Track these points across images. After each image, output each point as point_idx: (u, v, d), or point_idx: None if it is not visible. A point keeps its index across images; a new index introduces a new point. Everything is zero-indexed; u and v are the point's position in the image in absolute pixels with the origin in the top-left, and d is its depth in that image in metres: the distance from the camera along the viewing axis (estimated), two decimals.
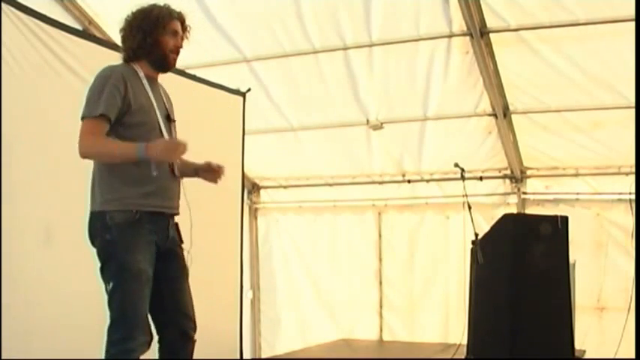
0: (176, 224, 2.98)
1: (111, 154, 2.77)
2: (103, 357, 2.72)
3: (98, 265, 2.80)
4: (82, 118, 2.77)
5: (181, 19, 2.95)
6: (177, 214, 2.97)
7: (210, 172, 3.04)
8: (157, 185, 2.81)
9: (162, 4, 2.94)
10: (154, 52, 2.88)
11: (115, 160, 2.77)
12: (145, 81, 2.88)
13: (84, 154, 2.76)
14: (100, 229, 2.75)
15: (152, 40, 2.86)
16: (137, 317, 2.73)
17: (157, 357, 2.94)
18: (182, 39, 2.96)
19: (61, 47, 3.81)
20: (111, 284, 2.72)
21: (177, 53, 2.95)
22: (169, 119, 2.97)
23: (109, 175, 2.78)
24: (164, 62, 2.93)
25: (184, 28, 2.97)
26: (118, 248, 2.72)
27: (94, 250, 2.83)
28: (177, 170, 2.92)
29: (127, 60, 2.92)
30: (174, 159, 2.85)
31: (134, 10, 2.91)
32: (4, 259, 3.38)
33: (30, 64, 3.61)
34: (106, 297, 2.76)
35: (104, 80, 2.76)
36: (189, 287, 3.00)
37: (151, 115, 2.85)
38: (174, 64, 2.99)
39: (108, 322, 2.73)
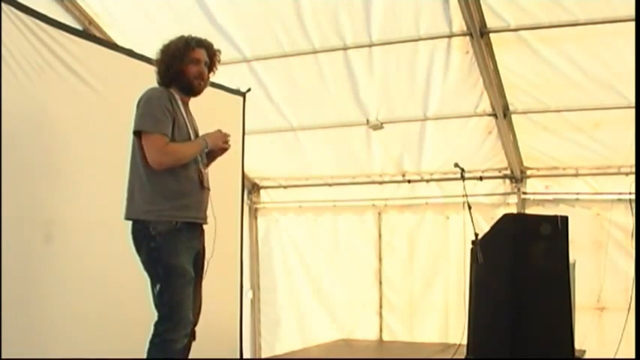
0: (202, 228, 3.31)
1: (185, 156, 3.12)
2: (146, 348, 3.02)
3: (144, 270, 3.12)
4: (144, 132, 3.05)
5: (205, 46, 3.25)
6: (207, 223, 3.29)
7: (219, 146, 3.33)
8: (191, 198, 3.16)
9: (185, 35, 3.26)
10: (178, 81, 3.21)
11: (188, 160, 3.13)
12: (180, 103, 3.21)
13: (161, 166, 3.05)
14: (144, 238, 3.06)
15: (174, 71, 3.19)
16: (182, 313, 3.03)
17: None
18: (209, 65, 3.28)
19: (61, 47, 3.80)
20: (159, 286, 3.04)
21: (203, 78, 3.27)
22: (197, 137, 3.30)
23: (151, 187, 3.07)
24: (190, 88, 3.25)
25: (212, 54, 3.27)
26: (163, 254, 3.04)
27: (134, 255, 3.12)
28: (206, 182, 3.24)
29: (164, 86, 3.22)
30: (222, 146, 3.29)
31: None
32: (5, 258, 3.38)
33: (30, 64, 3.61)
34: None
35: (157, 100, 3.09)
36: (201, 289, 3.28)
37: (186, 133, 3.19)
38: (202, 89, 3.29)
39: (158, 317, 3.03)
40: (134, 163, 3.15)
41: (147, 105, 3.08)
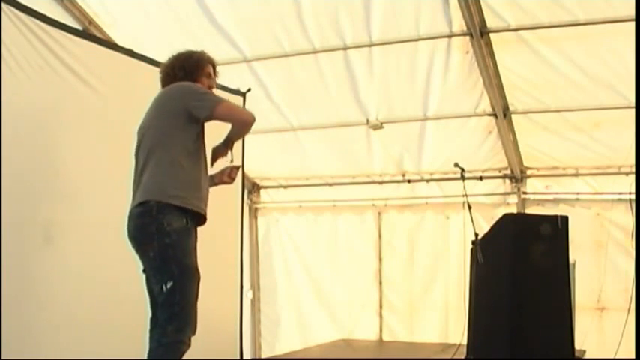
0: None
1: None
2: (146, 346, 3.01)
3: (149, 267, 3.08)
4: (216, 105, 3.13)
5: (213, 63, 3.41)
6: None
7: (228, 176, 3.47)
8: (204, 191, 3.21)
9: (199, 50, 3.41)
10: None
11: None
12: None
13: (254, 117, 3.21)
14: (157, 233, 3.00)
15: (191, 79, 3.27)
16: (192, 313, 3.03)
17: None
18: (214, 81, 3.42)
19: (61, 47, 3.80)
20: (170, 284, 2.99)
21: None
22: None
23: (178, 172, 3.08)
24: None
25: (215, 72, 3.42)
26: (178, 251, 3.01)
27: (134, 256, 3.11)
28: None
29: None
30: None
31: (175, 54, 3.37)
32: (5, 258, 3.37)
33: (30, 64, 3.61)
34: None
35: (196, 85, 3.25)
36: None
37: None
38: None
39: (163, 316, 2.98)
40: (165, 147, 3.10)
41: (194, 90, 3.17)
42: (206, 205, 3.22)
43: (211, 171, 3.39)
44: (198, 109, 3.11)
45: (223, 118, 3.18)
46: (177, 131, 3.11)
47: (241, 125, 3.24)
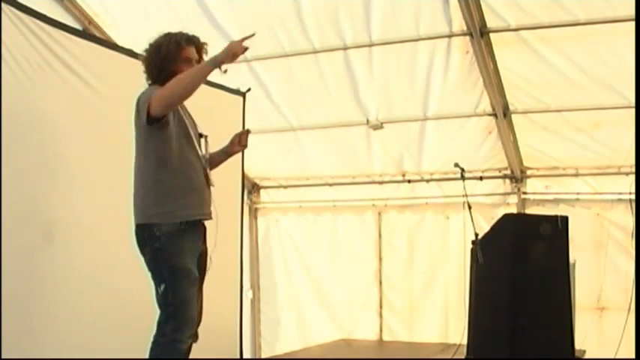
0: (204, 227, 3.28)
1: (192, 81, 2.96)
2: (148, 348, 3.02)
3: (147, 271, 3.12)
4: (149, 109, 2.97)
5: (194, 42, 3.21)
6: (211, 219, 3.27)
7: (238, 143, 3.44)
8: (197, 195, 3.15)
9: (173, 33, 3.20)
10: None
11: (197, 85, 2.96)
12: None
13: (166, 99, 2.97)
14: (148, 239, 3.04)
15: (166, 74, 3.09)
16: (188, 313, 3.03)
17: None
18: (198, 61, 3.20)
19: (61, 47, 3.81)
20: (163, 286, 3.02)
21: None
22: (201, 135, 3.30)
23: (157, 188, 3.05)
24: None
25: (200, 49, 3.22)
26: (167, 254, 3.04)
27: (134, 256, 3.13)
28: (211, 181, 3.25)
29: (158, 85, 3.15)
30: (239, 55, 3.00)
31: (151, 42, 3.22)
32: (5, 258, 3.37)
33: (30, 64, 3.61)
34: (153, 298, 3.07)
35: None
36: (203, 288, 3.26)
37: (188, 132, 3.18)
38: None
39: (161, 318, 3.01)
40: (139, 165, 3.12)
41: (140, 104, 3.05)
42: (201, 206, 3.17)
43: (220, 145, 3.36)
44: (143, 120, 3.00)
45: (166, 109, 2.98)
46: (147, 144, 3.07)
47: (186, 94, 2.98)
